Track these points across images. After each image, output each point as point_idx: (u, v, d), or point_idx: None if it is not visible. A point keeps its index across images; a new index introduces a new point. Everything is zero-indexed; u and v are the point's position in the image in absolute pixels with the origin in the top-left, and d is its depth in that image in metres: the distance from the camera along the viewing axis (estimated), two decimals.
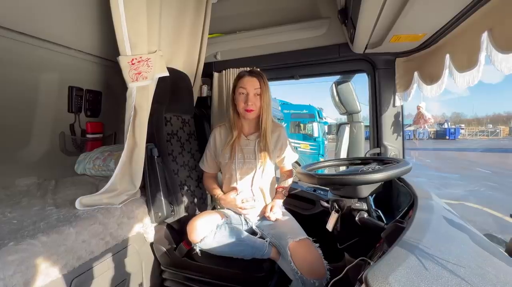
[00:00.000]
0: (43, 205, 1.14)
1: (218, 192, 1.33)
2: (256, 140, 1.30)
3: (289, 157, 1.38)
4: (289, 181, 1.39)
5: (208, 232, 1.12)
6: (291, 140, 1.42)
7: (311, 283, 1.00)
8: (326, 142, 8.62)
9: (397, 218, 0.80)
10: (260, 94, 1.23)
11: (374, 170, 0.89)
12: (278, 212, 1.24)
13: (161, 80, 1.23)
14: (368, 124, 1.68)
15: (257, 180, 1.28)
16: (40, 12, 1.32)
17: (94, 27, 1.57)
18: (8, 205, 1.16)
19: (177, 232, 1.29)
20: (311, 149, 7.76)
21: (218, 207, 1.39)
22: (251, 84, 1.22)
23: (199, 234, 1.12)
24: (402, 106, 1.51)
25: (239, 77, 1.26)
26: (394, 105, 1.49)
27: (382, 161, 1.14)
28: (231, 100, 1.31)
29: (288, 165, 1.41)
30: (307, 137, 7.88)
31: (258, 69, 1.34)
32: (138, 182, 1.18)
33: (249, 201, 1.25)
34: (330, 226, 0.99)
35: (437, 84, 1.20)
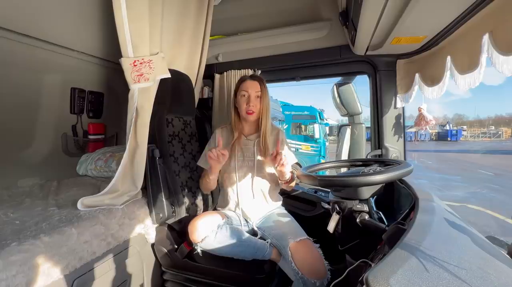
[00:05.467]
0: (45, 206, 1.15)
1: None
2: (256, 140, 1.32)
3: (288, 158, 1.36)
4: (292, 184, 1.38)
5: (209, 232, 1.13)
6: (292, 141, 1.42)
7: (311, 283, 1.01)
8: (327, 144, 8.61)
9: (398, 220, 0.79)
10: (260, 96, 1.27)
11: (376, 172, 0.89)
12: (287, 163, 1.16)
13: (162, 81, 1.23)
14: (369, 125, 1.68)
15: (257, 180, 1.30)
16: (42, 13, 1.33)
17: (96, 28, 1.58)
18: (10, 205, 1.16)
19: (178, 233, 1.29)
20: (312, 150, 7.74)
21: (219, 208, 1.40)
22: (252, 87, 1.26)
23: (200, 234, 1.13)
24: (403, 108, 1.51)
25: (241, 81, 1.31)
26: (395, 107, 1.49)
27: (384, 162, 1.14)
28: (233, 103, 1.34)
29: None
30: (308, 139, 7.87)
31: (259, 74, 1.33)
32: (140, 183, 1.19)
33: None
34: (331, 227, 0.99)
35: (438, 86, 1.20)
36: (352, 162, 1.34)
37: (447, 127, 30.82)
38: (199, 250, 1.14)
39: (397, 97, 1.47)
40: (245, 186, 1.30)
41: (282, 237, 1.14)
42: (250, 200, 1.30)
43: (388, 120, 1.50)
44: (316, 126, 7.84)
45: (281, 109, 7.85)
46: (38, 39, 1.43)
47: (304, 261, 1.04)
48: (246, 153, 1.31)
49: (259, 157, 1.30)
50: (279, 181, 1.29)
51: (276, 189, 1.38)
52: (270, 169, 1.33)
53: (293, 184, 1.33)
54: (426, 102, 1.49)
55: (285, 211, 1.37)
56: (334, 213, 0.99)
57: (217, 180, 1.36)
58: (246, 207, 1.30)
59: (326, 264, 1.06)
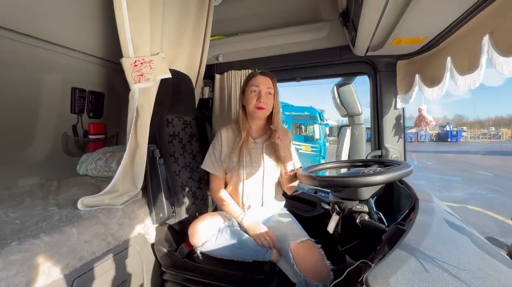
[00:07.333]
0: (46, 206, 1.15)
1: (239, 214, 1.21)
2: (264, 144, 1.28)
3: (294, 161, 1.35)
4: (295, 183, 1.33)
5: (209, 236, 1.10)
6: (292, 142, 1.40)
7: (314, 286, 1.00)
8: (327, 144, 8.61)
9: (398, 220, 0.79)
10: (273, 94, 1.24)
11: (376, 172, 0.89)
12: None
13: (163, 81, 1.24)
14: (369, 126, 1.68)
15: (267, 187, 1.27)
16: (43, 13, 1.33)
17: (97, 28, 1.58)
18: (11, 205, 1.17)
19: (178, 233, 1.29)
20: (312, 151, 7.75)
21: (219, 209, 1.39)
22: (264, 83, 1.22)
23: (200, 238, 1.10)
24: (403, 109, 1.51)
25: (251, 77, 1.25)
26: (395, 108, 1.49)
27: (384, 163, 1.14)
28: (240, 101, 1.30)
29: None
30: (308, 139, 7.88)
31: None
32: (140, 183, 1.19)
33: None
34: (331, 228, 0.99)
35: (439, 87, 1.20)
36: (352, 163, 1.34)
37: (447, 128, 30.78)
38: (199, 253, 1.12)
39: (397, 98, 1.47)
40: (254, 190, 1.26)
41: (283, 239, 1.13)
42: (258, 208, 1.27)
43: (388, 120, 1.50)
44: (316, 126, 7.85)
45: (281, 110, 7.85)
46: (39, 39, 1.43)
47: (306, 263, 1.03)
48: (255, 159, 1.25)
49: (268, 163, 1.25)
50: (283, 173, 1.24)
51: (281, 191, 1.37)
52: (277, 174, 1.30)
53: (295, 183, 1.29)
54: (426, 102, 1.49)
55: (287, 212, 1.36)
56: (334, 214, 0.99)
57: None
58: (253, 213, 1.26)
59: (328, 265, 1.05)
